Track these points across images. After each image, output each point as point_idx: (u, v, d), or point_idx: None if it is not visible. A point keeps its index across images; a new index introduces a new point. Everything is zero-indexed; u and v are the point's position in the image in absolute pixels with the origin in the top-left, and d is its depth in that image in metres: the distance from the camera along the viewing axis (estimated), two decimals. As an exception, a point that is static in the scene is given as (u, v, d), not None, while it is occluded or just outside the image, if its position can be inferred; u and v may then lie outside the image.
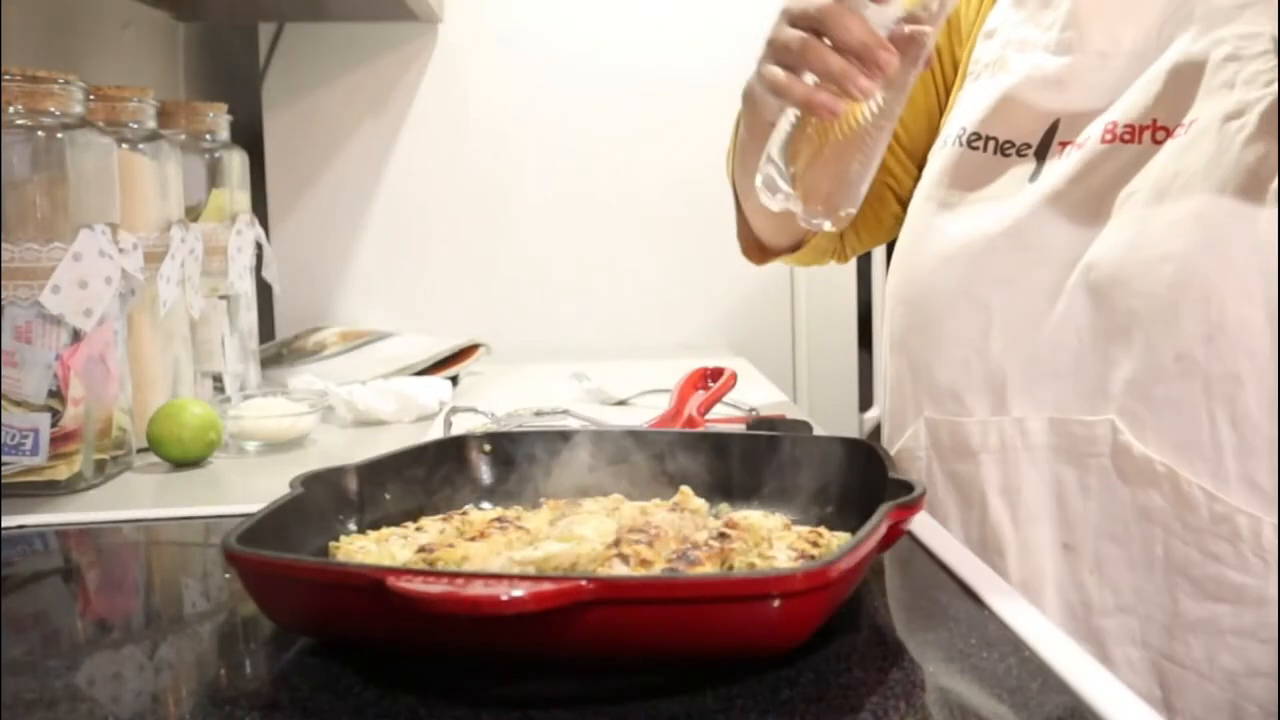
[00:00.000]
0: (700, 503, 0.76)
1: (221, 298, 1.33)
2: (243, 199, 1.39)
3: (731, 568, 0.64)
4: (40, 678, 0.59)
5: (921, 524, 0.79)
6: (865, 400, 1.99)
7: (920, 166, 1.05)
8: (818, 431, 1.01)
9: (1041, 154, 0.93)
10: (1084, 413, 0.87)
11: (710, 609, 0.53)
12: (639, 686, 0.55)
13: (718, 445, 0.82)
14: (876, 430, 1.80)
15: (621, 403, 1.39)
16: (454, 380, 1.58)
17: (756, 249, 1.22)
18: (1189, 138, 0.85)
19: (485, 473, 0.82)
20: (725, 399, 1.23)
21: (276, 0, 1.77)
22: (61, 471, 0.99)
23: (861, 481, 0.74)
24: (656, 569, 0.62)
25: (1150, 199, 0.85)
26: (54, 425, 0.98)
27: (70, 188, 1.00)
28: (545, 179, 1.91)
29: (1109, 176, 0.88)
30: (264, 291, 1.52)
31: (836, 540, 0.68)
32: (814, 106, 0.81)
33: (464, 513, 0.75)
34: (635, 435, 0.83)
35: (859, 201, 0.83)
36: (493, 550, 0.66)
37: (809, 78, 0.81)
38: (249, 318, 1.40)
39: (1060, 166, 0.91)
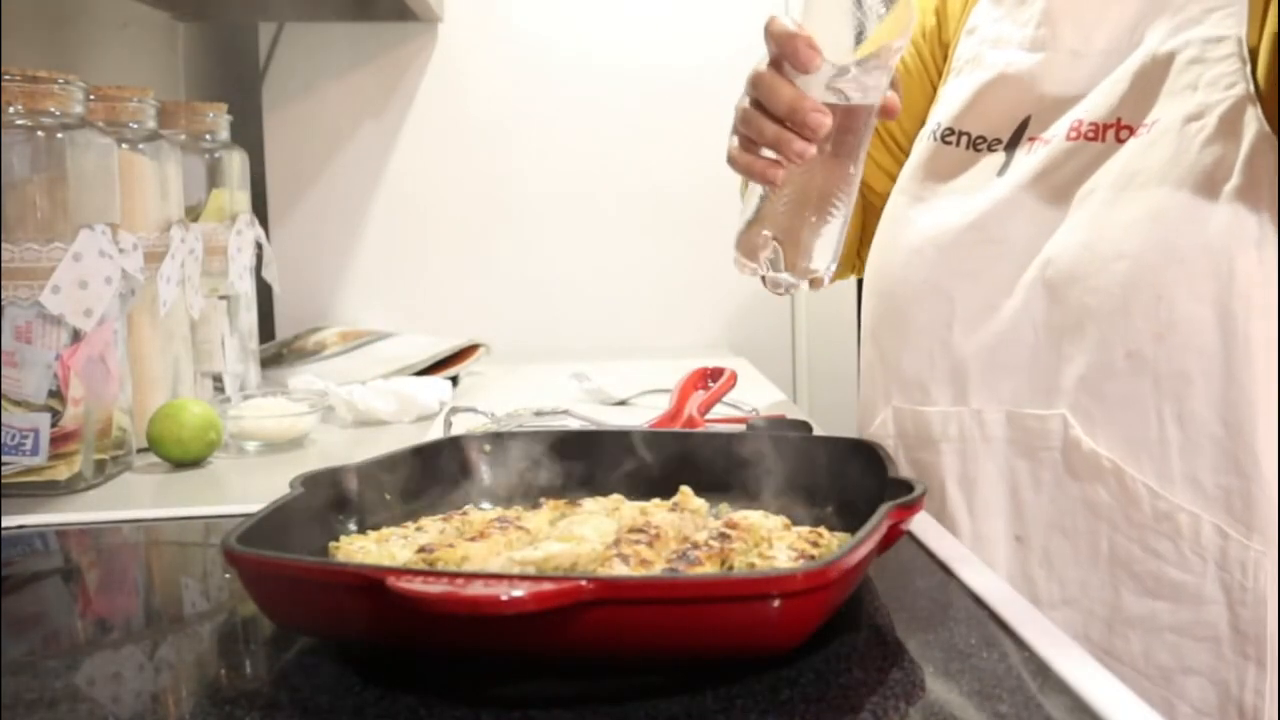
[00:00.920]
0: (700, 503, 0.75)
1: (221, 298, 1.33)
2: (243, 199, 1.39)
3: (731, 568, 0.64)
4: (40, 678, 0.59)
5: (921, 524, 0.79)
6: (865, 400, 1.99)
7: None
8: (818, 431, 1.01)
9: (1012, 149, 0.95)
10: (1038, 406, 0.89)
11: (710, 609, 0.53)
12: (639, 686, 0.55)
13: (718, 445, 0.82)
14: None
15: (621, 403, 1.39)
16: (454, 380, 1.58)
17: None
18: (1150, 137, 0.87)
19: (485, 473, 0.81)
20: (725, 399, 1.23)
21: (276, 0, 1.77)
22: (61, 471, 0.99)
23: (861, 481, 0.74)
24: (656, 569, 0.62)
25: (1109, 197, 0.87)
26: (54, 425, 0.98)
27: (70, 188, 1.00)
28: (545, 179, 1.91)
29: (1072, 173, 0.89)
30: (264, 291, 1.52)
31: (836, 540, 0.68)
32: (754, 174, 0.81)
33: (464, 513, 0.75)
34: (635, 435, 0.83)
35: (829, 260, 0.82)
36: (493, 550, 0.66)
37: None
38: (249, 318, 1.40)
39: (1027, 162, 0.92)
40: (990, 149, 0.95)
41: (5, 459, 0.97)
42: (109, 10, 1.54)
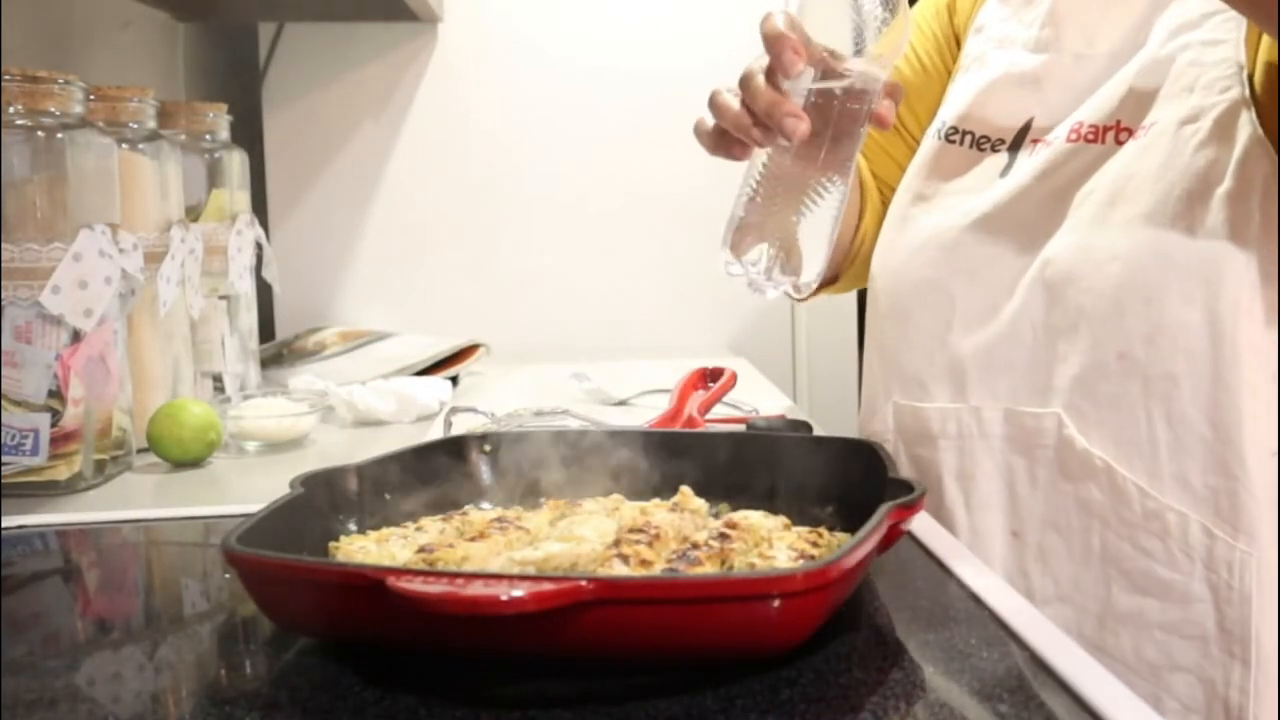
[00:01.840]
0: (700, 503, 0.75)
1: (221, 298, 1.33)
2: (243, 199, 1.39)
3: (731, 568, 0.64)
4: (40, 678, 0.59)
5: (921, 524, 0.79)
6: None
7: None
8: (818, 431, 1.01)
9: (1015, 149, 0.95)
10: (1034, 405, 0.90)
11: (710, 609, 0.53)
12: (639, 686, 0.55)
13: (718, 445, 0.82)
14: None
15: (621, 403, 1.39)
16: (454, 380, 1.58)
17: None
18: (1147, 140, 0.87)
19: (485, 473, 0.81)
20: (725, 399, 1.23)
21: (276, 0, 1.77)
22: (61, 471, 0.99)
23: (861, 481, 0.74)
24: (656, 569, 0.62)
25: (1106, 199, 0.87)
26: (54, 425, 0.98)
27: (70, 188, 1.00)
28: (545, 179, 1.91)
29: (1072, 175, 0.90)
30: (264, 291, 1.52)
31: (836, 540, 0.68)
32: (717, 148, 0.84)
33: (464, 513, 0.75)
34: (635, 435, 0.83)
35: (817, 268, 0.83)
36: (493, 550, 0.66)
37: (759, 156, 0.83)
38: (249, 318, 1.40)
39: (1029, 163, 0.93)
40: (994, 149, 0.96)
41: (5, 459, 0.97)
42: (109, 10, 1.54)
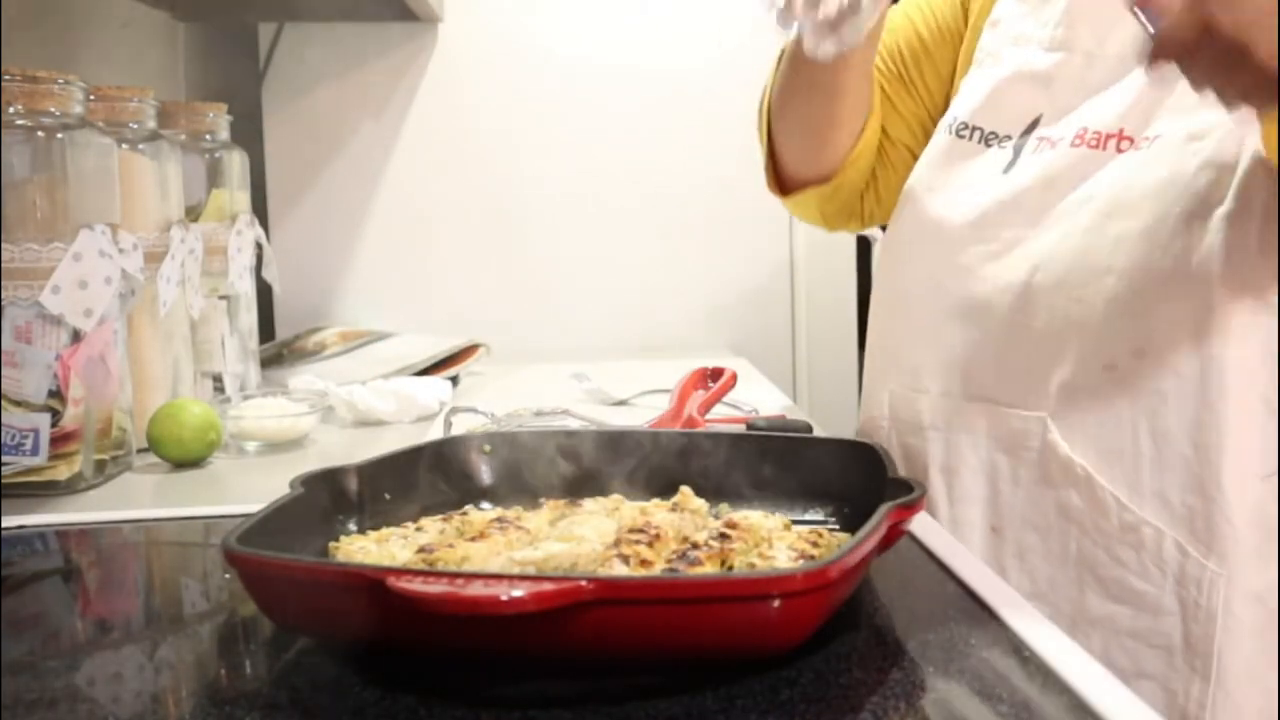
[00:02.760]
0: (700, 503, 0.75)
1: (221, 298, 1.33)
2: (243, 199, 1.39)
3: (731, 568, 0.64)
4: (40, 678, 0.59)
5: (921, 524, 0.79)
6: (865, 400, 1.99)
7: None
8: (818, 431, 1.01)
9: (1020, 147, 0.96)
10: (1021, 407, 0.90)
11: (710, 609, 0.53)
12: (639, 686, 0.55)
13: (718, 445, 0.82)
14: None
15: (621, 403, 1.39)
16: (454, 380, 1.58)
17: (780, 183, 1.17)
18: (1151, 153, 0.87)
19: (485, 473, 0.81)
20: (725, 399, 1.23)
21: (276, 0, 1.77)
22: (61, 471, 0.99)
23: (861, 481, 0.74)
24: (656, 569, 0.62)
25: (1105, 208, 0.88)
26: (54, 425, 0.98)
27: (70, 188, 1.00)
28: (545, 179, 1.91)
29: (1072, 180, 0.91)
30: (264, 291, 1.52)
31: (836, 540, 0.68)
32: None
33: (464, 513, 0.75)
34: (635, 435, 0.83)
35: (860, 29, 0.85)
36: (493, 550, 0.66)
37: None
38: (249, 318, 1.40)
39: (1032, 163, 0.93)
40: (1000, 145, 0.97)
41: (5, 459, 0.97)
42: (109, 10, 1.54)
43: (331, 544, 0.69)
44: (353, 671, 0.57)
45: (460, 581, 0.51)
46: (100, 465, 1.03)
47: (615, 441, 0.82)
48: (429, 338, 1.70)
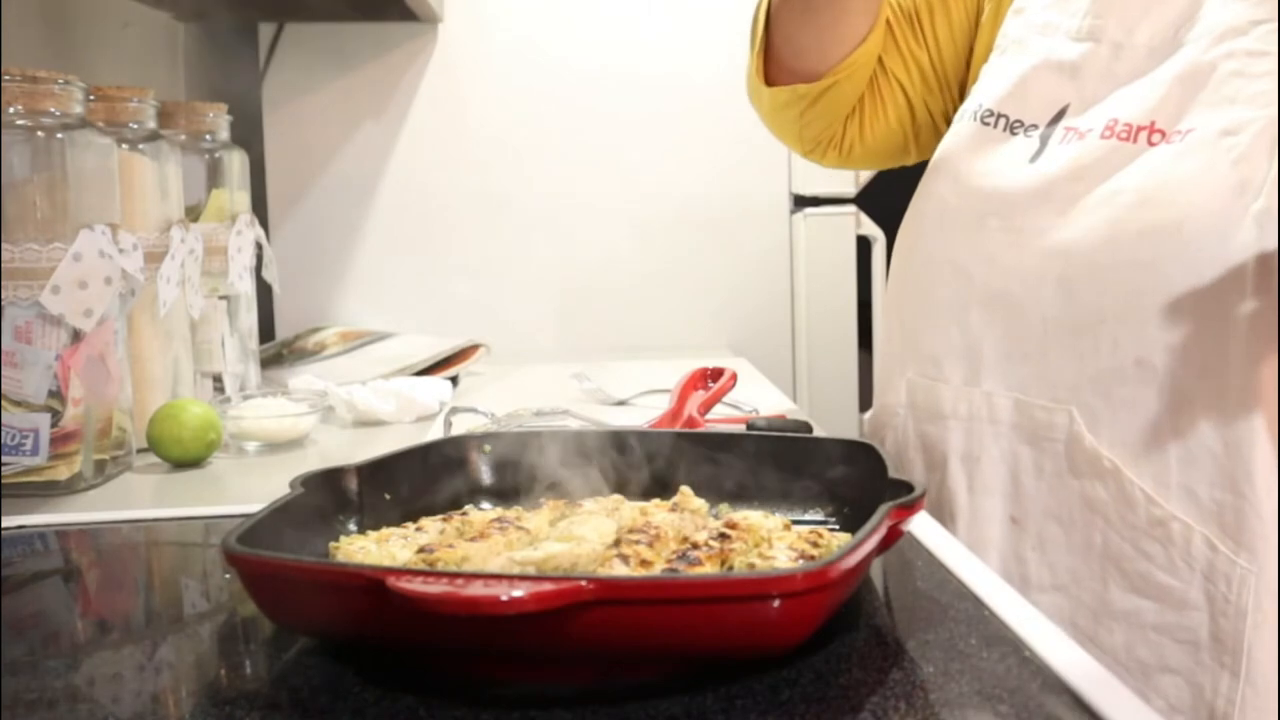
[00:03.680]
0: (700, 503, 0.75)
1: (221, 298, 1.33)
2: (243, 199, 1.39)
3: (731, 568, 0.64)
4: (40, 678, 0.59)
5: (921, 524, 0.79)
6: (865, 400, 1.99)
7: (941, 84, 1.09)
8: (818, 431, 1.01)
9: (1047, 136, 0.95)
10: (1047, 398, 0.90)
11: (710, 609, 0.53)
12: (639, 686, 0.55)
13: (718, 445, 0.82)
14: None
15: (621, 403, 1.39)
16: (454, 380, 1.58)
17: (766, 75, 1.14)
18: (1184, 147, 0.86)
19: (485, 473, 0.81)
20: (725, 399, 1.23)
21: (276, 0, 1.77)
22: (61, 471, 0.99)
23: (861, 481, 0.74)
24: (656, 569, 0.62)
25: (1136, 201, 0.87)
26: (54, 425, 0.98)
27: (70, 188, 1.00)
28: (545, 179, 1.91)
29: (1102, 172, 0.89)
30: (264, 291, 1.52)
31: (836, 540, 0.68)
32: None
33: (464, 513, 0.75)
34: (635, 435, 0.83)
35: None
36: (493, 550, 0.66)
37: None
38: (249, 318, 1.40)
39: (1060, 153, 0.92)
40: (1026, 134, 0.96)
41: (5, 459, 0.97)
42: (109, 10, 1.54)
43: (331, 544, 0.69)
44: (353, 671, 0.57)
45: (460, 581, 0.51)
46: (100, 465, 1.03)
47: (615, 441, 0.82)
48: (429, 338, 1.70)
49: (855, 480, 0.75)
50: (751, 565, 0.64)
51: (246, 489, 1.05)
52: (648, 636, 0.53)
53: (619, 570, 0.62)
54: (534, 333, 1.88)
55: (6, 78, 0.97)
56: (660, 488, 0.79)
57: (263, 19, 1.88)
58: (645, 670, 0.56)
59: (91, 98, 1.10)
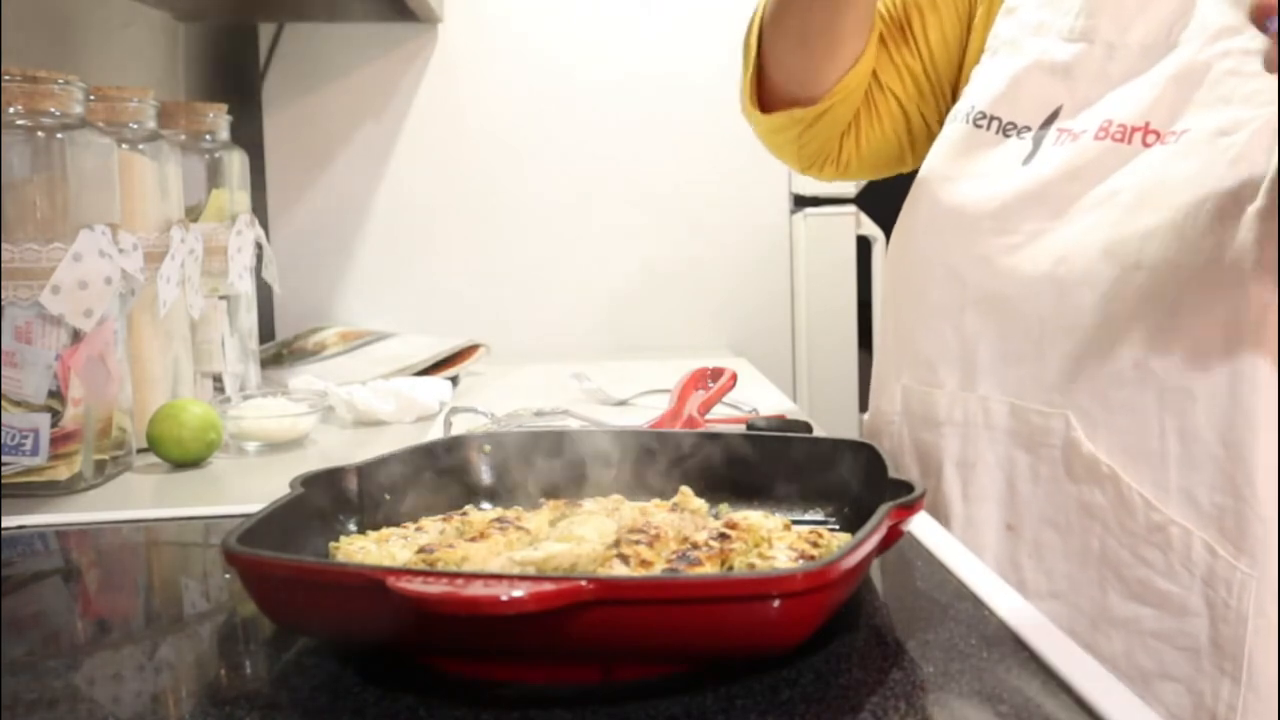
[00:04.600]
0: (700, 503, 0.75)
1: (221, 298, 1.33)
2: (243, 199, 1.39)
3: (731, 568, 0.64)
4: (40, 678, 0.59)
5: (921, 524, 0.79)
6: (865, 400, 1.99)
7: (935, 90, 1.08)
8: (818, 431, 1.01)
9: (1040, 139, 0.94)
10: (1043, 403, 0.89)
11: (710, 609, 0.53)
12: (639, 686, 0.55)
13: (718, 445, 0.82)
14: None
15: (621, 403, 1.39)
16: (454, 380, 1.58)
17: (760, 99, 1.13)
18: (1180, 147, 0.86)
19: (485, 473, 0.81)
20: (725, 399, 1.23)
21: (276, 0, 1.77)
22: (61, 472, 0.99)
23: (861, 481, 0.74)
24: (656, 569, 0.62)
25: (1132, 203, 0.86)
26: (54, 425, 0.98)
27: (70, 188, 1.00)
28: (545, 179, 1.91)
29: (1096, 174, 0.89)
30: (264, 291, 1.52)
31: (836, 540, 0.68)
32: None
33: (464, 513, 0.75)
34: (635, 435, 0.83)
35: None
36: (493, 550, 0.66)
37: None
38: (249, 318, 1.40)
39: (1054, 155, 0.92)
40: (1019, 135, 0.95)
41: (5, 459, 0.97)
42: (109, 10, 1.54)
43: (331, 544, 0.69)
44: (353, 671, 0.57)
45: (460, 581, 0.51)
46: (100, 465, 1.03)
47: (615, 441, 0.82)
48: (429, 338, 1.70)
49: (855, 480, 0.75)
50: (751, 565, 0.64)
51: (246, 489, 1.05)
52: (648, 636, 0.53)
53: (619, 570, 0.62)
54: (534, 333, 1.89)
55: (6, 78, 0.97)
56: (660, 488, 0.79)
57: (263, 19, 1.88)
58: (645, 670, 0.56)
59: (91, 98, 1.10)
